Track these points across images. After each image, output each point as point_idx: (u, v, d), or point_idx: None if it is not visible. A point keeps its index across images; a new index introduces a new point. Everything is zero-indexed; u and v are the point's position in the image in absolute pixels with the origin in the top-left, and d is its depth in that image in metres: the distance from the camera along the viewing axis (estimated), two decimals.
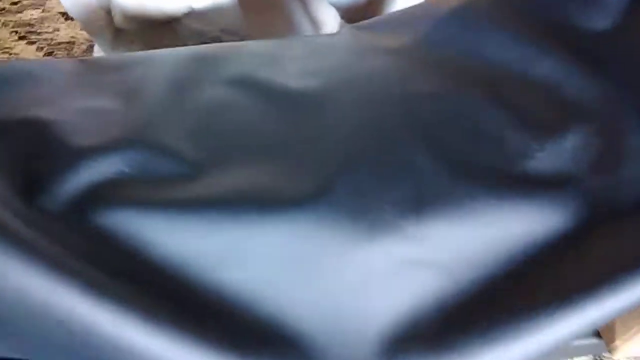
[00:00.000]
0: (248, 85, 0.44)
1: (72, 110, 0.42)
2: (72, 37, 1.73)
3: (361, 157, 0.37)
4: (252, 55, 0.49)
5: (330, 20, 1.15)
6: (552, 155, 0.37)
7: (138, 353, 0.31)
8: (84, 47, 1.70)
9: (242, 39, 0.84)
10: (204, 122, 0.41)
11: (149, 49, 0.55)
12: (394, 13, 0.54)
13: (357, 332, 0.34)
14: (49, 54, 1.67)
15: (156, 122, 0.41)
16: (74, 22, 1.77)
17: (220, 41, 0.77)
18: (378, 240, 0.34)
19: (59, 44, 1.72)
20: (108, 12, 0.80)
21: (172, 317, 0.32)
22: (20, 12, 1.83)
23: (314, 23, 1.14)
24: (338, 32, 0.52)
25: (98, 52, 1.02)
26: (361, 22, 0.54)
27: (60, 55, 1.67)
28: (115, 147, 0.38)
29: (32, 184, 0.35)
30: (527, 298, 0.33)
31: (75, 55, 1.66)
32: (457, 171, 0.36)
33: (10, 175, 0.35)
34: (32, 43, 1.73)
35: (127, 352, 0.31)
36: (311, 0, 1.09)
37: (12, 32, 1.74)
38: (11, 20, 1.79)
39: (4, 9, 1.84)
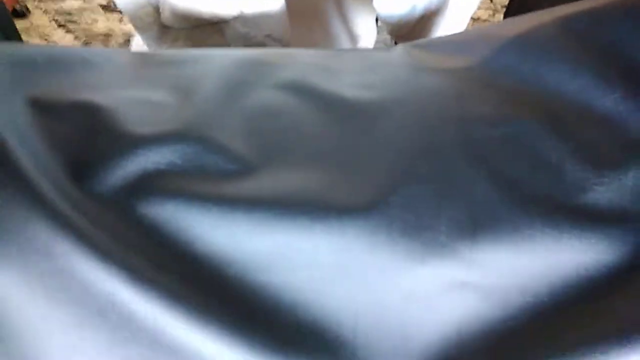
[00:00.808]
0: (303, 91, 0.44)
1: (125, 99, 0.42)
2: (110, 29, 1.76)
3: (416, 174, 0.37)
4: (306, 62, 0.49)
5: (367, 36, 1.16)
6: (611, 191, 0.36)
7: (176, 349, 0.31)
8: (120, 40, 1.72)
9: (284, 46, 0.85)
10: (258, 123, 0.41)
11: (193, 47, 0.56)
12: (451, 35, 0.54)
13: (399, 349, 0.33)
14: (86, 44, 1.69)
15: (210, 118, 0.40)
16: (112, 14, 1.79)
17: (264, 46, 0.78)
18: (431, 260, 0.33)
19: (97, 35, 1.74)
20: (156, 8, 0.81)
21: (215, 315, 0.32)
22: (62, 0, 1.86)
23: (352, 37, 1.15)
24: (393, 48, 0.51)
25: (136, 46, 1.03)
26: (416, 41, 0.53)
27: (97, 46, 1.69)
28: (169, 138, 0.37)
29: (83, 169, 0.35)
30: (579, 332, 0.32)
31: (112, 47, 1.68)
32: (513, 197, 0.35)
33: (62, 158, 0.35)
34: (70, 32, 1.75)
35: (165, 347, 0.31)
36: (351, 15, 1.09)
37: (52, 20, 1.77)
38: (52, 9, 1.82)
39: None
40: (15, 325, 0.31)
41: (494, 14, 2.02)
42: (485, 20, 2.05)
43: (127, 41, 1.66)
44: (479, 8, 2.00)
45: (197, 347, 0.31)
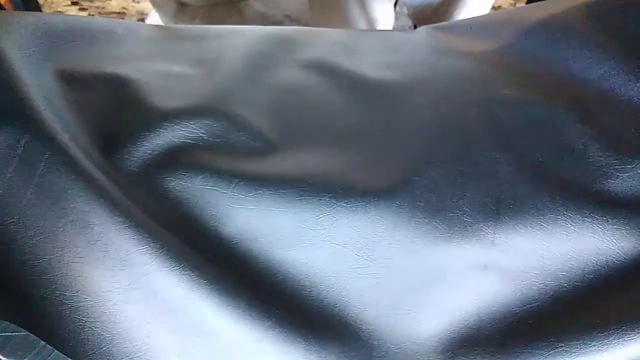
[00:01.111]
0: (326, 70, 0.44)
1: (150, 72, 0.42)
2: (124, 7, 1.75)
3: (439, 155, 0.37)
4: (330, 41, 0.48)
5: (385, 21, 1.15)
6: (634, 178, 0.36)
7: (200, 321, 0.31)
8: (134, 19, 1.71)
9: (302, 26, 0.85)
10: (281, 100, 0.41)
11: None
12: (473, 18, 0.53)
13: (419, 328, 0.34)
14: None
15: (235, 94, 0.40)
16: None
17: (283, 25, 0.77)
18: (455, 241, 0.33)
19: (110, 13, 1.74)
20: None
21: (238, 290, 0.32)
22: None
23: (370, 21, 1.15)
24: (416, 31, 0.51)
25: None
26: (438, 24, 0.53)
27: None
28: (195, 113, 0.37)
29: (111, 141, 0.36)
30: (598, 316, 0.32)
31: None
32: (537, 180, 0.35)
33: (91, 130, 0.36)
34: (84, 10, 1.75)
35: (193, 319, 0.31)
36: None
37: None
38: None
39: None
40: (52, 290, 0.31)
41: (515, 3, 2.00)
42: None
43: (141, 19, 1.66)
44: None
45: (220, 320, 0.31)
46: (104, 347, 0.31)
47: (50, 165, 0.30)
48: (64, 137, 0.31)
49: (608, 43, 0.44)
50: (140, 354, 0.31)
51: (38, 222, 0.30)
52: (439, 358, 0.33)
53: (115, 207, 0.30)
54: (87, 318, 0.31)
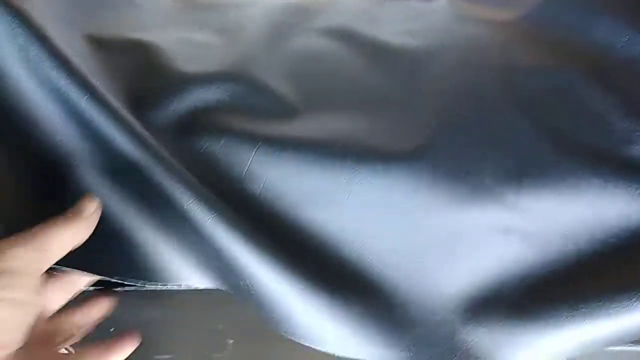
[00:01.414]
0: (346, 37, 0.44)
1: (172, 39, 0.42)
2: None
3: (461, 121, 0.37)
4: (349, 9, 0.48)
5: None
6: None
7: (233, 269, 0.32)
8: None
9: None
10: (303, 67, 0.41)
11: None
12: None
13: (439, 289, 0.34)
14: None
15: (256, 60, 0.41)
16: None
17: None
18: (476, 204, 0.34)
19: None
20: None
21: (265, 243, 0.33)
22: None
23: None
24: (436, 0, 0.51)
25: None
26: None
27: None
28: (217, 77, 0.38)
29: (136, 104, 0.36)
30: (620, 280, 0.33)
31: None
32: (559, 145, 0.36)
33: (122, 92, 0.36)
34: None
35: (229, 265, 0.32)
36: None
37: None
38: None
39: None
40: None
41: None
42: None
43: None
44: None
45: (248, 272, 0.32)
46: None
47: (99, 116, 0.31)
48: (104, 91, 0.32)
49: (630, 10, 0.43)
50: None
51: None
52: (459, 318, 0.34)
53: (156, 156, 0.31)
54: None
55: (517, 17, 0.46)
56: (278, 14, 0.47)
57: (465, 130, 0.36)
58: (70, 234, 0.29)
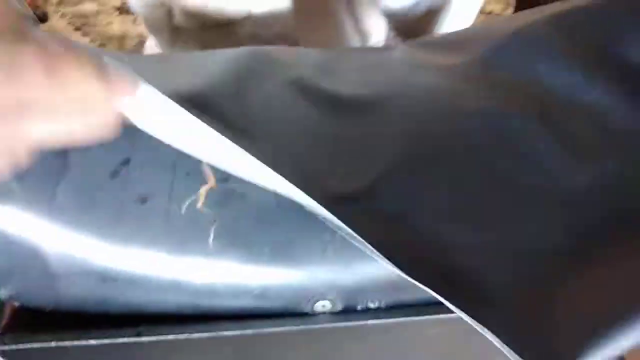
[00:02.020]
0: (305, 90, 0.46)
1: None
2: (124, 31, 1.80)
3: (407, 164, 0.39)
4: (309, 62, 0.51)
5: (377, 33, 1.17)
6: (587, 177, 0.39)
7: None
8: (134, 42, 1.76)
9: (292, 44, 0.87)
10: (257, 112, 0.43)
11: (204, 49, 0.58)
12: (453, 32, 0.56)
13: None
14: (101, 45, 1.73)
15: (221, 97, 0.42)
16: (127, 16, 1.83)
17: (273, 45, 0.79)
18: None
19: (111, 37, 1.78)
20: (169, 10, 0.84)
21: None
22: (79, 4, 1.90)
23: (362, 34, 1.16)
24: (395, 48, 0.54)
25: (149, 47, 1.06)
26: (417, 39, 0.55)
27: (112, 48, 1.73)
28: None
29: None
30: None
31: (127, 49, 1.72)
32: (502, 189, 0.38)
33: None
34: (87, 35, 1.80)
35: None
36: (361, 13, 1.11)
37: (69, 23, 1.82)
38: (69, 12, 1.86)
39: (62, 1, 1.92)
40: None
41: (506, 8, 2.01)
42: (498, 14, 2.05)
43: (141, 42, 1.70)
44: (491, 1, 2.00)
45: None
46: None
47: None
48: None
49: (571, 52, 0.46)
50: None
51: None
52: None
53: None
54: None
55: (466, 61, 0.49)
56: (240, 64, 0.48)
57: (413, 172, 0.38)
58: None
